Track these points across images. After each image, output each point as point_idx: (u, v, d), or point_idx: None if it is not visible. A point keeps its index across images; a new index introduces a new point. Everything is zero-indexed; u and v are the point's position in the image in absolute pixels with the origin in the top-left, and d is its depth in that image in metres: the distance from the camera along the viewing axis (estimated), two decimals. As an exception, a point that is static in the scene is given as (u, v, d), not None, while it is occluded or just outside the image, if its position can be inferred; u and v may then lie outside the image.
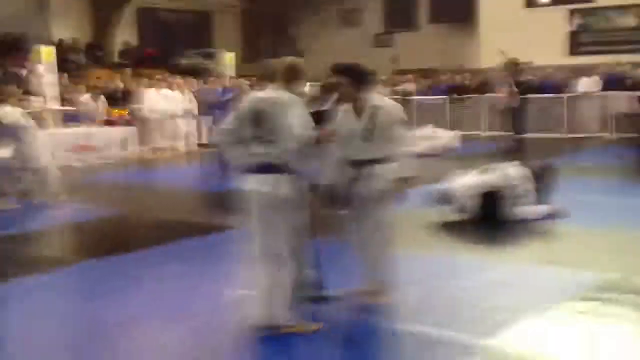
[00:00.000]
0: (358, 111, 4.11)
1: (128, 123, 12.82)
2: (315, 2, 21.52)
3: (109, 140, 12.48)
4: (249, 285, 3.74)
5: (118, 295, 4.51)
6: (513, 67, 12.10)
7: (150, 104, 13.64)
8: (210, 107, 14.44)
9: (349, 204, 4.17)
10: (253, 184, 3.64)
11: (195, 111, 14.38)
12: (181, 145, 14.06)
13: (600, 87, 14.28)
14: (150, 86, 13.99)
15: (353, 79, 4.07)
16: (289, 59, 3.88)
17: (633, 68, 14.44)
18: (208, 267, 5.20)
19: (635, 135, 10.58)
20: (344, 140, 4.13)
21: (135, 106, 13.56)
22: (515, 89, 11.83)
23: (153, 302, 4.40)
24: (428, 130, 12.24)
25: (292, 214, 3.64)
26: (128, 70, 15.85)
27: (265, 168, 3.61)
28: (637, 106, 10.61)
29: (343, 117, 4.17)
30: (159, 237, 6.34)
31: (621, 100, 13.46)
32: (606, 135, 13.97)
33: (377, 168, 4.08)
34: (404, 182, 4.08)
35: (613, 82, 14.12)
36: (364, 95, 4.09)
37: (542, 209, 6.37)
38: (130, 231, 7.05)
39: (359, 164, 4.10)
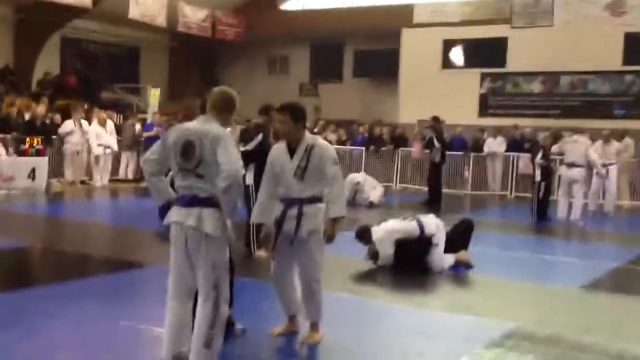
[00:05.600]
0: (292, 149, 4.12)
1: (39, 153, 12.42)
2: (244, 47, 21.93)
3: (18, 170, 12.01)
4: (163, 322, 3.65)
5: (30, 328, 4.42)
6: (437, 123, 12.46)
7: (67, 135, 13.40)
8: (133, 143, 14.38)
9: (277, 242, 4.13)
10: (176, 217, 3.50)
11: (115, 146, 14.24)
12: (95, 180, 13.82)
13: (504, 148, 15.38)
14: (69, 117, 13.77)
15: (293, 116, 4.11)
16: (223, 88, 3.71)
17: (533, 132, 15.61)
18: (124, 303, 5.17)
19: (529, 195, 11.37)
20: (276, 177, 4.14)
21: (53, 137, 13.28)
22: (438, 145, 12.28)
23: (70, 335, 4.38)
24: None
25: (214, 249, 3.46)
26: (46, 99, 15.46)
27: (191, 201, 3.46)
28: (531, 168, 11.20)
29: (276, 154, 4.19)
30: (70, 271, 6.26)
31: (520, 162, 14.58)
32: (506, 194, 15.00)
33: (309, 207, 4.08)
34: (335, 222, 4.10)
35: (514, 144, 15.27)
36: (300, 133, 4.14)
37: (451, 259, 6.75)
38: (38, 264, 6.95)
39: (290, 202, 4.10)
